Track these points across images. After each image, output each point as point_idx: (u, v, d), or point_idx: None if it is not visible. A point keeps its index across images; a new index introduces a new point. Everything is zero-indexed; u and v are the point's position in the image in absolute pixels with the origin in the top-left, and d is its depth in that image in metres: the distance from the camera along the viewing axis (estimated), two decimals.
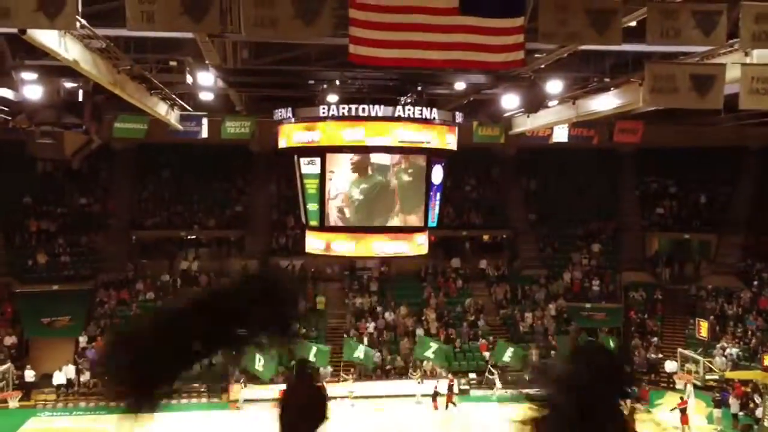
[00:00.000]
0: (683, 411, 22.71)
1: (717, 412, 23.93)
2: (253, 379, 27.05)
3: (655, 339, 30.48)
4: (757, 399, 23.11)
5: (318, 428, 2.59)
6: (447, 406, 25.03)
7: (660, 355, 29.35)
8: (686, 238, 36.08)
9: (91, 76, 14.01)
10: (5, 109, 18.76)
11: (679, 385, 26.48)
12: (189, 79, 17.15)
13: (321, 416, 2.61)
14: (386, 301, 31.65)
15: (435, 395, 25.09)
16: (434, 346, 27.68)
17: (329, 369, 26.90)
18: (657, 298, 32.87)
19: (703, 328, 28.81)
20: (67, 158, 17.50)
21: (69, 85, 16.12)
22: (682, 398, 23.75)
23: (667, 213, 36.69)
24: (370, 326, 29.82)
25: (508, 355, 27.66)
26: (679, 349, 28.61)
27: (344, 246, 20.05)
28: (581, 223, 35.72)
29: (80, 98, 15.93)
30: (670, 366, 28.12)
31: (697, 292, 32.88)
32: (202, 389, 26.89)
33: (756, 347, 28.03)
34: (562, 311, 31.73)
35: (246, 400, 25.52)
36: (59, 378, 26.42)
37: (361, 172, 19.15)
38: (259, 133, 25.80)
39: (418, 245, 20.45)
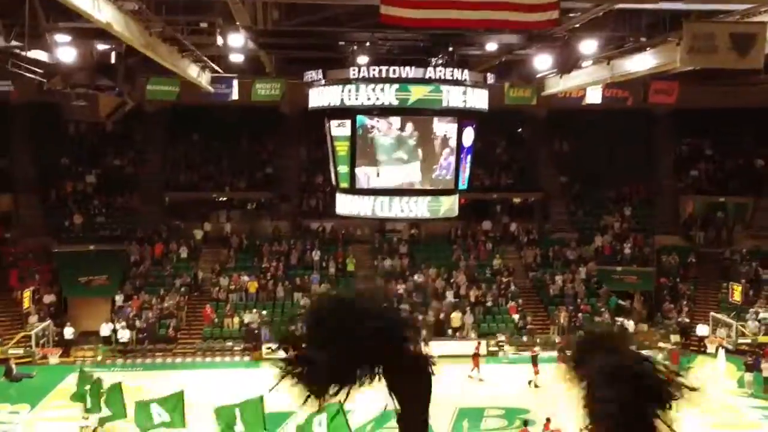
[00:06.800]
0: None
1: (748, 376, 23.80)
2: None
3: (686, 303, 30.27)
4: None
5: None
6: (475, 369, 24.79)
7: (691, 320, 29.16)
8: (721, 201, 35.51)
9: (124, 38, 14.11)
10: (40, 71, 19.01)
11: (710, 349, 26.36)
12: (219, 40, 17.18)
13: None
14: (416, 263, 31.79)
15: (475, 355, 24.98)
16: None
17: None
18: (690, 262, 32.52)
19: (737, 292, 28.53)
20: (102, 120, 17.67)
21: (102, 47, 16.23)
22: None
23: (703, 175, 36.12)
24: (401, 288, 30.04)
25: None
26: (712, 313, 28.41)
27: (375, 207, 20.08)
28: (614, 186, 35.34)
29: (113, 60, 16.03)
30: (701, 330, 27.96)
31: (731, 256, 32.48)
32: (236, 348, 27.52)
33: None
34: (592, 274, 31.60)
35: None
36: (105, 330, 27.30)
37: (392, 134, 19.09)
38: (290, 95, 25.82)
39: (448, 208, 20.42)
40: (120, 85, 16.17)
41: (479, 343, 26.13)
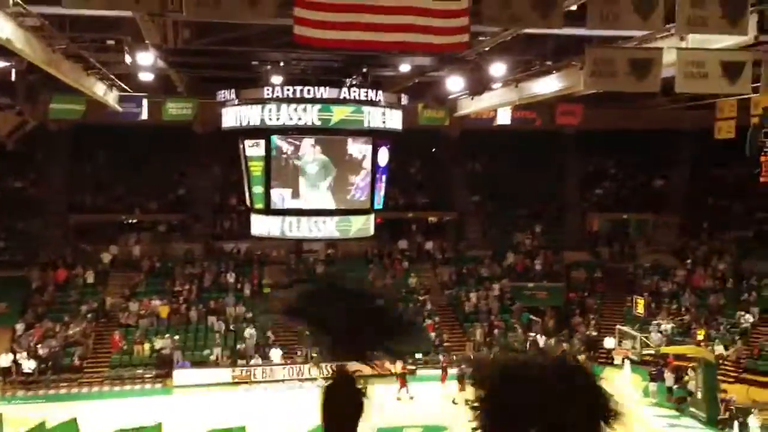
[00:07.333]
0: None
1: (652, 386, 24.89)
2: (199, 363, 26.96)
3: (594, 316, 31.35)
4: (691, 373, 24.04)
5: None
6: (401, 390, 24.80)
7: (599, 333, 30.17)
8: (625, 218, 37.23)
9: (25, 55, 13.53)
10: None
11: (617, 361, 27.31)
12: (128, 59, 16.69)
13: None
14: None
15: (401, 375, 24.92)
16: None
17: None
18: (597, 277, 33.76)
19: (640, 305, 29.72)
20: (1, 140, 16.86)
21: (1, 64, 15.53)
22: None
23: (608, 193, 37.75)
24: None
25: None
26: (617, 326, 29.47)
27: (290, 228, 19.90)
28: (525, 204, 36.39)
29: (13, 78, 15.37)
30: (608, 342, 28.96)
31: (634, 271, 33.92)
32: (147, 375, 26.64)
33: (689, 323, 29.14)
34: (506, 291, 32.30)
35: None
36: (5, 361, 25.72)
37: (307, 155, 19.02)
38: (202, 115, 25.38)
39: (360, 227, 20.44)
40: (20, 103, 15.51)
41: (404, 363, 26.17)
